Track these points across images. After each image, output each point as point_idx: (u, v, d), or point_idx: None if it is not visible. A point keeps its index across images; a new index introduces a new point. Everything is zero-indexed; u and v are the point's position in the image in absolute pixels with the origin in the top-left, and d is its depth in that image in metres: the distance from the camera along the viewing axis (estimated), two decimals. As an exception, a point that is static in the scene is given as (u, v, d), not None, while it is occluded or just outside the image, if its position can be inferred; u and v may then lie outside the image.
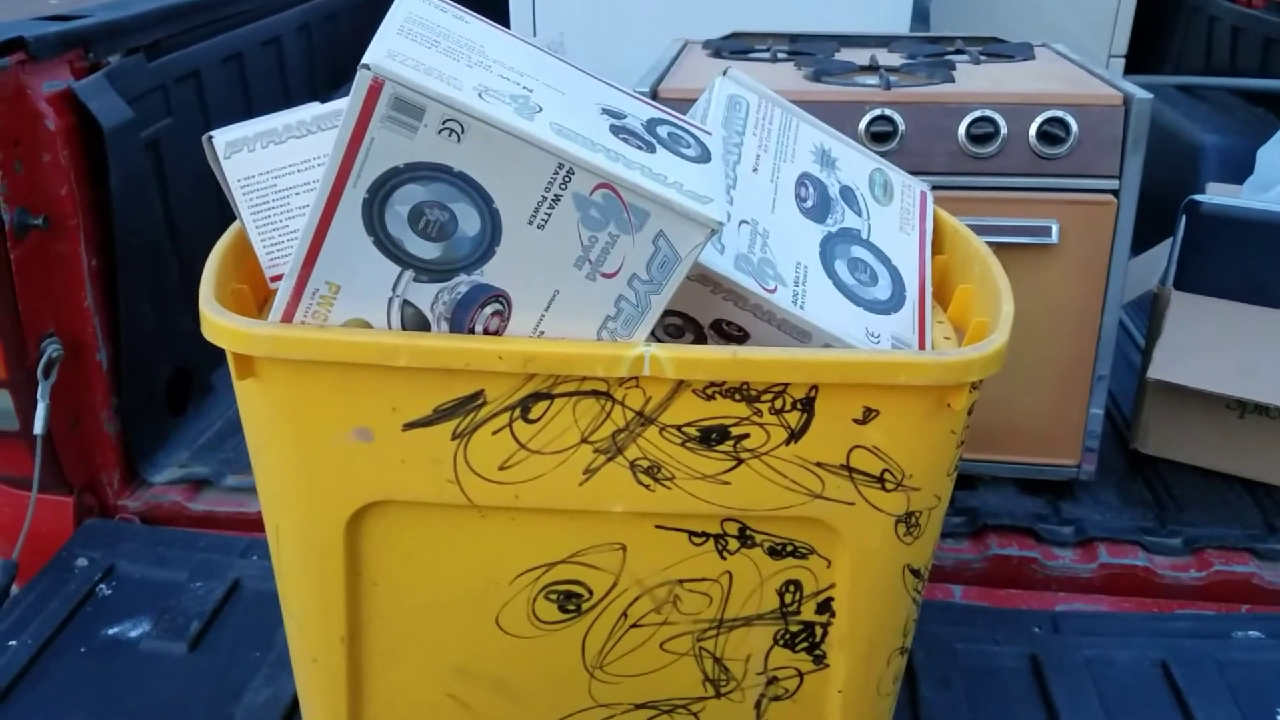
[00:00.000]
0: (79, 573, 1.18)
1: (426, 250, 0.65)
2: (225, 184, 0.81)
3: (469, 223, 0.64)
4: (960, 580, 1.24)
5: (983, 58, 1.44)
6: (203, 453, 1.39)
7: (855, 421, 0.71)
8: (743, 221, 0.80)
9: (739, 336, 0.81)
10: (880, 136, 1.21)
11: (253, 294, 0.81)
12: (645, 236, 0.65)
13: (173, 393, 1.41)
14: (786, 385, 0.70)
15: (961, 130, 1.20)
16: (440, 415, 0.71)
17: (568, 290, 0.67)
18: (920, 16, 2.04)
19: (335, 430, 0.72)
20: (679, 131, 0.70)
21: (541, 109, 0.63)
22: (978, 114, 1.20)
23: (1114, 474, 1.41)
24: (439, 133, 0.61)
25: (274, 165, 0.79)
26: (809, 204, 0.87)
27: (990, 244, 1.17)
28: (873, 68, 1.37)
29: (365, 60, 0.59)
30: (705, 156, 0.69)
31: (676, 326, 0.81)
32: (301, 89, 1.88)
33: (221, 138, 0.80)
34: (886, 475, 0.73)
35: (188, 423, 1.44)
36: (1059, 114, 1.19)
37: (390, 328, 0.69)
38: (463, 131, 0.61)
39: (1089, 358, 1.29)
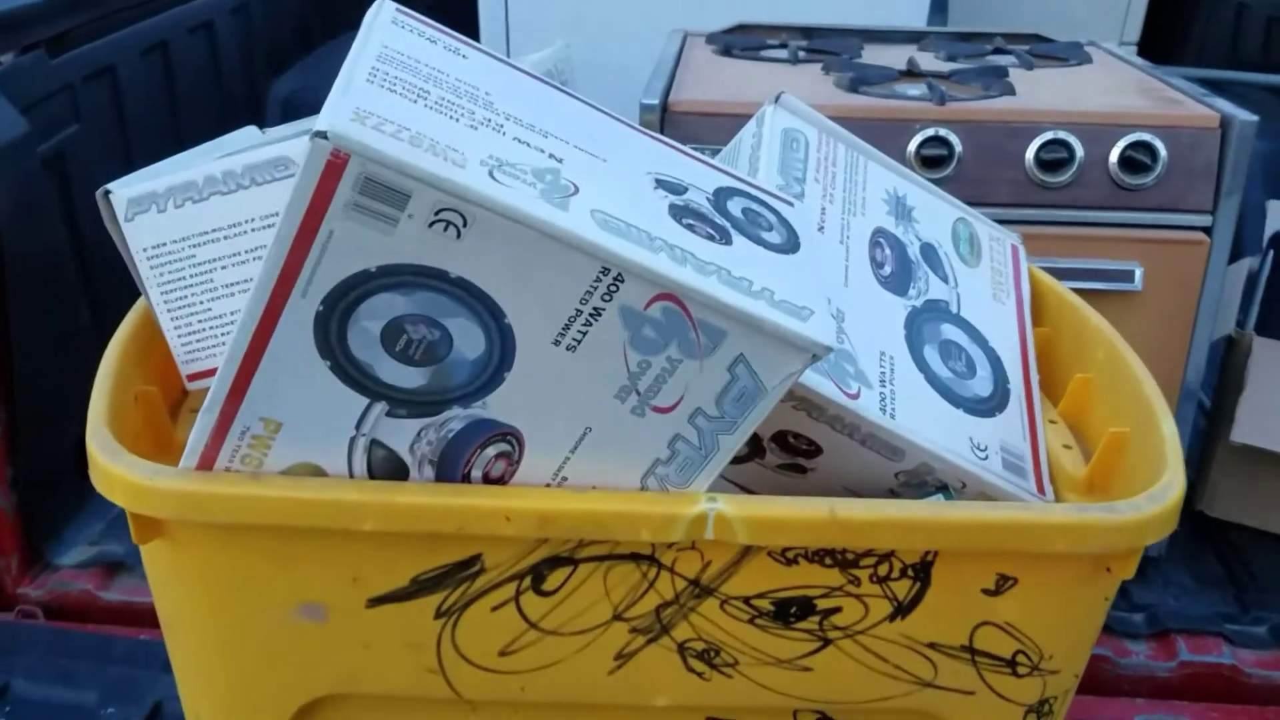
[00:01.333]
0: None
1: (407, 377, 0.47)
2: (127, 254, 0.62)
3: (469, 343, 0.46)
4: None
5: (1035, 61, 1.27)
6: (119, 526, 1.19)
7: (985, 593, 0.54)
8: (813, 302, 0.63)
9: (808, 451, 0.63)
10: (933, 161, 1.04)
11: (164, 397, 0.62)
12: (719, 363, 0.47)
13: (83, 455, 1.21)
14: (895, 549, 0.52)
15: (1030, 155, 1.03)
16: (420, 588, 0.53)
17: (604, 427, 0.49)
18: (938, 5, 1.86)
19: (274, 608, 0.53)
20: (756, 207, 0.52)
21: (577, 189, 0.45)
22: (1049, 135, 1.03)
23: (1181, 545, 1.25)
24: (429, 226, 0.42)
25: (191, 230, 0.60)
26: (887, 271, 0.69)
27: (1061, 289, 1.00)
28: (916, 74, 1.20)
29: (321, 124, 0.40)
30: (793, 242, 0.51)
31: (726, 438, 0.63)
32: (238, 79, 1.67)
33: (122, 193, 0.61)
34: (1020, 658, 0.56)
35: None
36: (1145, 137, 1.03)
37: (352, 475, 0.50)
38: (464, 225, 0.42)
39: (1164, 416, 1.13)
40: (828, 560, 0.53)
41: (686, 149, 0.53)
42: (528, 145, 0.45)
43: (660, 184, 0.49)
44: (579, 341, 0.46)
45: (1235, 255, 1.24)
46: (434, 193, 0.41)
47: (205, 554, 0.53)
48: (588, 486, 0.51)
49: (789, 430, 0.62)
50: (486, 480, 0.51)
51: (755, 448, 0.64)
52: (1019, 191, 1.05)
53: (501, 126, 0.45)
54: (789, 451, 0.63)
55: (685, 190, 0.49)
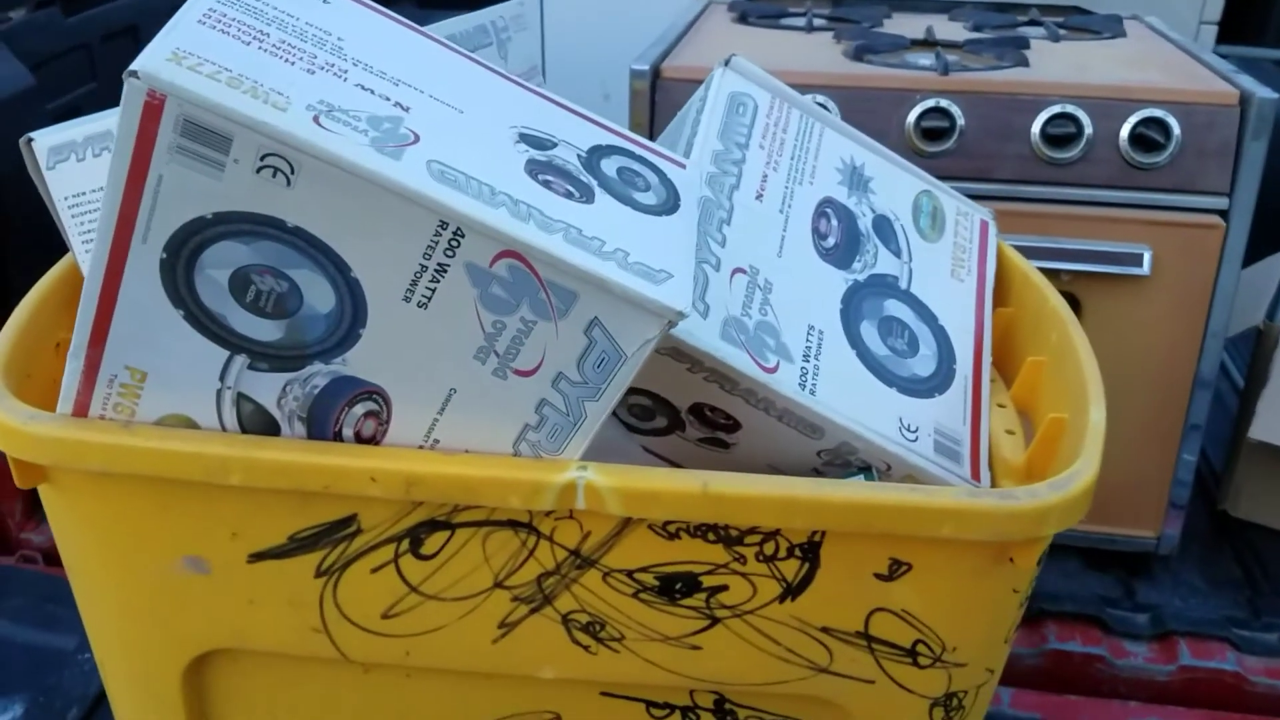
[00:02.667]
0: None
1: (261, 329, 0.46)
2: (50, 203, 0.62)
3: (318, 296, 0.45)
4: (1010, 681, 1.04)
5: (1062, 33, 1.22)
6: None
7: (878, 577, 0.52)
8: (737, 270, 0.61)
9: (727, 425, 0.61)
10: (933, 134, 1.00)
11: (86, 347, 0.62)
12: (574, 325, 0.45)
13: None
14: (778, 527, 0.50)
15: (1035, 129, 0.99)
16: (298, 545, 0.52)
17: (468, 389, 0.48)
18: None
19: (157, 558, 0.54)
20: (635, 166, 0.50)
21: (418, 137, 0.43)
22: (1056, 109, 0.99)
23: (1198, 544, 1.20)
24: (257, 172, 0.41)
25: (108, 180, 0.60)
26: (831, 242, 0.66)
27: (1067, 272, 0.97)
28: (928, 43, 1.15)
29: (136, 64, 0.39)
30: (669, 204, 0.49)
31: (644, 408, 0.61)
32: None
33: (44, 141, 0.61)
34: (921, 647, 0.54)
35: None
36: (1157, 113, 0.97)
37: (223, 428, 0.50)
38: (292, 172, 0.41)
39: (1179, 408, 1.08)
40: (710, 536, 0.51)
41: (576, 107, 0.52)
42: (370, 92, 0.44)
43: (524, 138, 0.47)
44: (429, 298, 0.45)
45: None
46: (254, 136, 0.40)
47: (86, 501, 0.53)
48: (460, 449, 0.50)
49: (705, 403, 0.60)
50: (359, 439, 0.50)
51: (673, 420, 0.62)
52: (1023, 168, 1.00)
53: (345, 72, 0.44)
54: (707, 425, 0.61)
55: (553, 146, 0.48)
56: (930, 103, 1.00)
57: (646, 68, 1.03)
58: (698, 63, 1.06)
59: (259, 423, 0.50)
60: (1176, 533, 1.13)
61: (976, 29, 1.25)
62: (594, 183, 0.47)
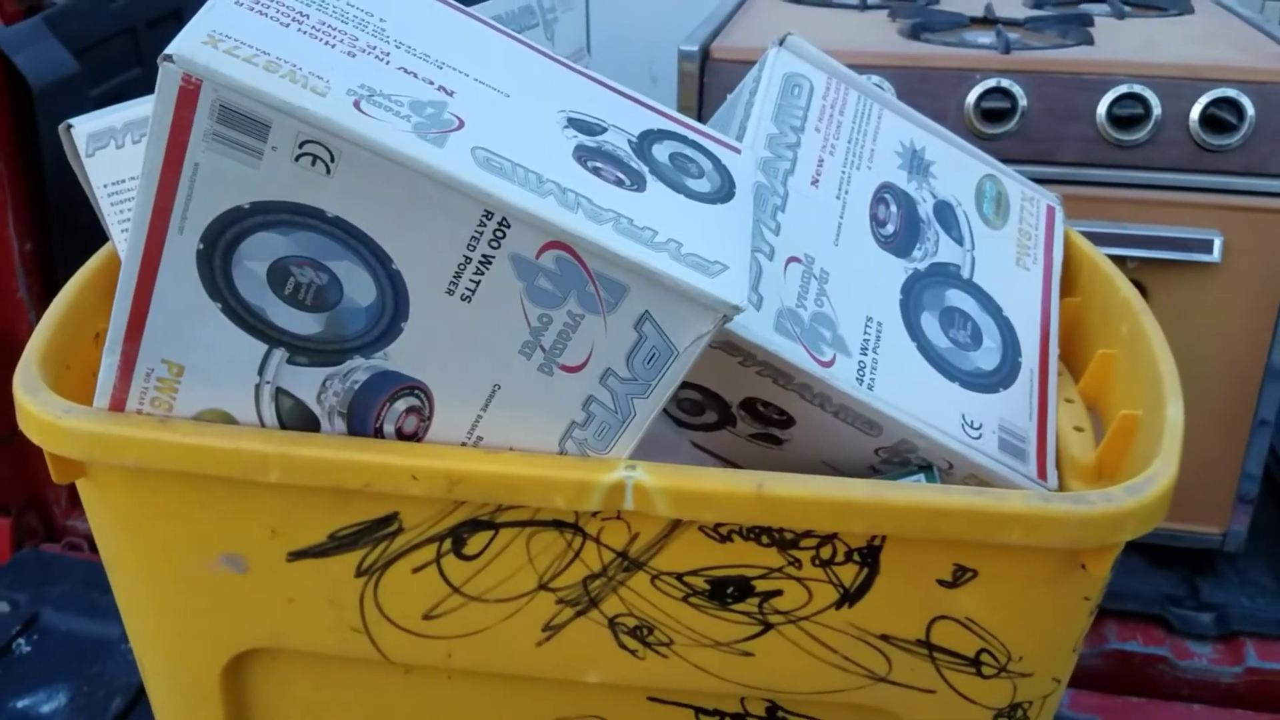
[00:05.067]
0: (-2, 620, 1.02)
1: (301, 323, 0.45)
2: (90, 191, 0.61)
3: (358, 288, 0.43)
4: (1068, 682, 1.01)
5: (1128, 10, 1.17)
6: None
7: (941, 583, 0.49)
8: (792, 259, 0.58)
9: (780, 420, 0.59)
10: (994, 115, 0.97)
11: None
12: (624, 320, 0.43)
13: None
14: (835, 531, 0.48)
15: (1101, 110, 0.95)
16: (339, 544, 0.51)
17: (513, 385, 0.46)
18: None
19: (195, 555, 0.52)
20: (689, 151, 0.48)
21: (462, 123, 0.41)
22: (1123, 89, 0.95)
23: (1266, 540, 1.16)
24: (296, 160, 0.40)
25: (147, 167, 0.59)
26: (890, 230, 0.64)
27: (1133, 259, 0.93)
28: (988, 20, 1.12)
29: (171, 48, 0.38)
30: (724, 191, 0.47)
31: (694, 403, 0.59)
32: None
33: (83, 128, 0.60)
34: (985, 657, 0.51)
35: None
36: (1230, 93, 0.93)
37: (262, 423, 0.49)
38: (332, 160, 0.40)
39: (1249, 400, 1.04)
40: (764, 539, 0.49)
41: (627, 90, 0.49)
42: (414, 76, 0.42)
43: (573, 123, 0.45)
44: (473, 291, 0.43)
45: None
46: (293, 122, 0.39)
47: (123, 497, 0.52)
48: (504, 447, 0.48)
49: (757, 398, 0.57)
50: (400, 436, 0.49)
51: (724, 415, 0.60)
52: (1088, 150, 0.97)
53: (387, 55, 0.42)
54: (760, 420, 0.59)
55: (602, 131, 0.46)
56: (991, 83, 0.96)
57: (695, 48, 1.00)
58: (749, 43, 1.03)
59: (298, 418, 0.48)
60: (1244, 529, 1.09)
61: (1038, 6, 1.21)
62: (645, 169, 0.45)
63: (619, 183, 0.43)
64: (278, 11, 0.41)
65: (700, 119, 1.06)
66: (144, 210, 0.42)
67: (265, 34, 0.40)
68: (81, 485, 0.53)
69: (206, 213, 0.41)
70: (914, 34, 1.05)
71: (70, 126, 0.60)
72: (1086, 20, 1.11)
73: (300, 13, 0.42)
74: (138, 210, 0.42)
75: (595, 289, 0.42)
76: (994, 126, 0.97)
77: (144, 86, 1.25)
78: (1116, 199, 0.97)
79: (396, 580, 0.52)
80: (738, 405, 0.59)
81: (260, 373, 0.47)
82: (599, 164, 0.44)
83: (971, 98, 0.97)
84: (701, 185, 0.46)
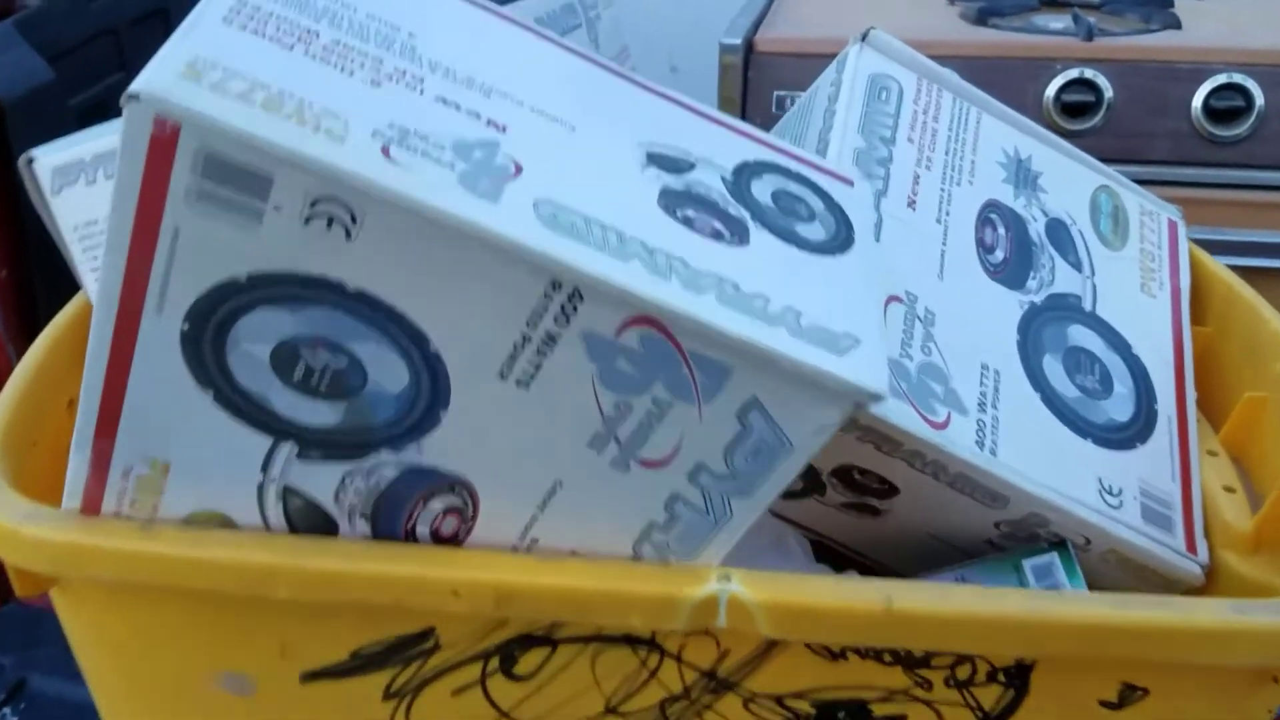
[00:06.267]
0: (-19, 689, 0.94)
1: (314, 413, 0.37)
2: (57, 233, 0.53)
3: (387, 373, 0.35)
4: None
5: (1208, -13, 1.08)
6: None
7: (1105, 705, 0.41)
8: (892, 299, 0.50)
9: (881, 490, 0.51)
10: (1076, 109, 0.88)
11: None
12: (724, 408, 0.35)
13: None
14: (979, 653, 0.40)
15: (1197, 102, 0.87)
16: (363, 663, 0.43)
17: (578, 482, 0.38)
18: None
19: (191, 677, 0.44)
20: (795, 188, 0.39)
21: (519, 168, 0.33)
22: (1221, 79, 0.86)
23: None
24: (306, 223, 0.31)
25: (123, 204, 0.51)
26: (999, 256, 0.55)
27: (1232, 267, 0.84)
28: (1060, 2, 1.03)
29: (137, 84, 0.30)
30: (841, 237, 0.38)
31: (776, 469, 0.51)
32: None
33: (46, 160, 0.52)
34: (1151, 789, 0.43)
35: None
36: (1348, 78, 0.85)
37: (267, 527, 0.40)
38: (354, 221, 0.31)
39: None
40: (887, 657, 0.41)
41: (703, 107, 0.41)
42: (456, 107, 0.34)
43: (654, 159, 0.37)
44: (532, 375, 0.34)
45: None
46: (303, 176, 0.30)
47: (101, 614, 0.44)
48: (564, 551, 0.40)
49: (854, 465, 0.49)
50: (435, 539, 0.40)
51: (812, 482, 0.52)
52: (1182, 147, 0.88)
53: (421, 81, 0.34)
54: (855, 490, 0.51)
55: (690, 168, 0.37)
56: (1073, 73, 0.88)
57: (738, 41, 0.92)
58: (797, 33, 0.94)
59: (311, 520, 0.40)
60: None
61: (1107, -16, 1.12)
62: (746, 215, 0.37)
63: (717, 235, 0.35)
64: (279, 28, 0.33)
65: (744, 117, 0.98)
66: (112, 285, 0.33)
67: (264, 60, 0.32)
68: (53, 592, 0.45)
69: (191, 288, 0.33)
70: (980, 19, 0.96)
71: (31, 160, 0.52)
72: (1167, 0, 1.02)
73: (308, 29, 0.33)
74: (104, 284, 0.33)
75: (690, 373, 0.34)
76: (1076, 122, 0.88)
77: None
78: (1214, 201, 0.89)
79: (433, 704, 0.44)
80: (830, 473, 0.50)
81: (264, 469, 0.39)
82: (690, 211, 0.35)
83: (1051, 90, 0.88)
84: (814, 231, 0.38)
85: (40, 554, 0.41)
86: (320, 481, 0.39)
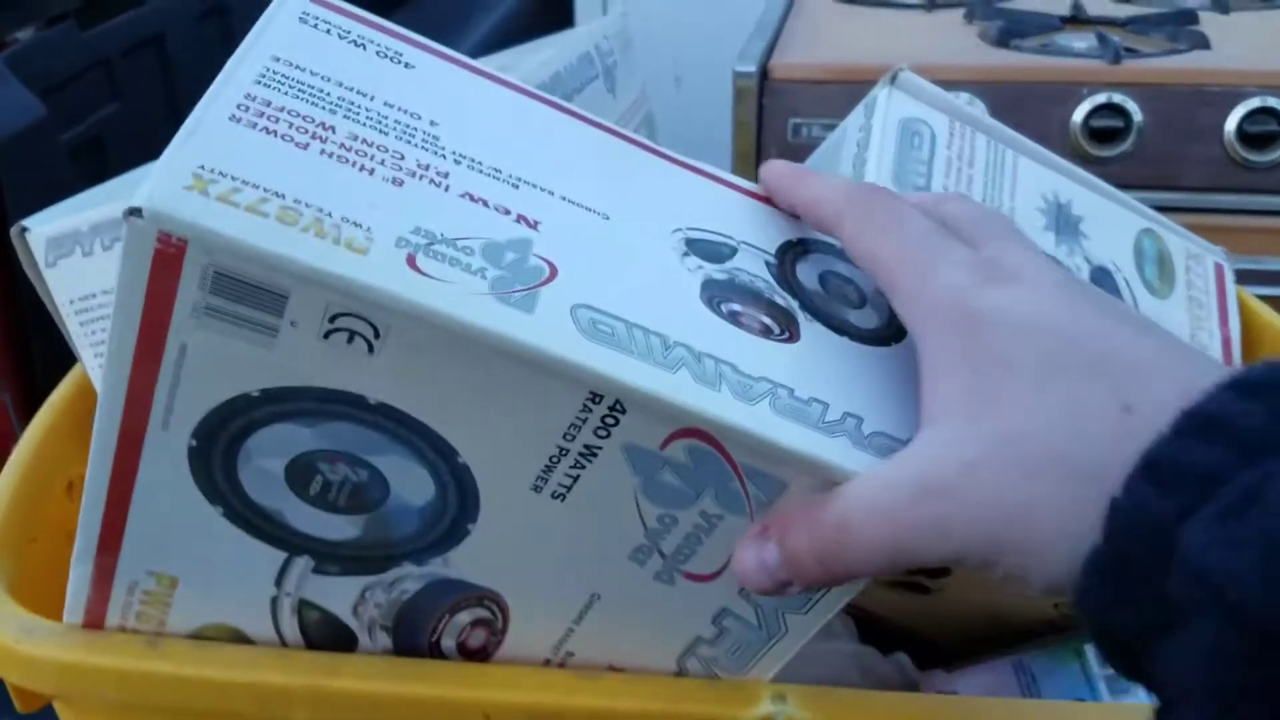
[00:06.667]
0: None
1: (331, 527, 0.34)
2: (52, 306, 0.50)
3: (410, 486, 0.33)
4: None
5: (1229, 1, 1.06)
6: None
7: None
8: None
9: (930, 570, 0.48)
10: (1104, 135, 0.86)
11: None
12: None
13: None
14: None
15: (1230, 127, 0.84)
16: (387, 779, 0.40)
17: (618, 595, 0.35)
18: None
19: (202, 794, 0.41)
20: (840, 268, 0.36)
21: (554, 271, 0.30)
22: (1255, 103, 0.83)
23: None
24: (325, 338, 0.29)
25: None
26: (1043, 312, 0.53)
27: (1266, 297, 0.81)
28: (1082, 20, 1.00)
29: (140, 198, 0.27)
30: (891, 322, 0.35)
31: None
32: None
33: (41, 231, 0.49)
34: None
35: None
36: (1386, 100, 0.82)
37: (281, 641, 0.38)
38: (377, 336, 0.29)
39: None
40: (949, 771, 0.38)
41: (740, 181, 0.38)
42: (483, 204, 0.31)
43: (693, 246, 0.34)
44: (568, 488, 0.32)
45: None
46: (322, 292, 0.28)
47: (105, 730, 0.41)
48: (602, 665, 0.37)
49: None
50: (463, 652, 0.38)
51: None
52: (1216, 173, 0.85)
53: (446, 176, 0.31)
54: (905, 584, 0.48)
55: (732, 253, 0.35)
56: (1101, 98, 0.85)
57: (753, 69, 0.89)
58: (812, 59, 0.92)
59: (328, 634, 0.38)
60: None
61: (1128, 0, 1.09)
62: (795, 304, 0.34)
63: (766, 332, 0.32)
64: (293, 125, 0.30)
65: (759, 144, 0.95)
66: (114, 400, 0.31)
67: (276, 163, 0.29)
68: (57, 704, 0.43)
69: (200, 405, 0.31)
70: (1001, 40, 0.94)
71: (25, 230, 0.49)
72: (1191, 17, 0.99)
73: (323, 124, 0.31)
74: (106, 399, 0.31)
75: (742, 486, 0.31)
76: (1105, 148, 0.86)
77: (122, 125, 1.14)
78: (1249, 229, 0.86)
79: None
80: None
81: (278, 584, 0.36)
82: (736, 305, 0.33)
83: (1078, 115, 0.86)
84: (865, 319, 0.35)
85: (41, 672, 0.38)
86: (338, 595, 0.36)
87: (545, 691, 0.37)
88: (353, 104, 0.32)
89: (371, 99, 0.32)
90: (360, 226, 0.29)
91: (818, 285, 0.35)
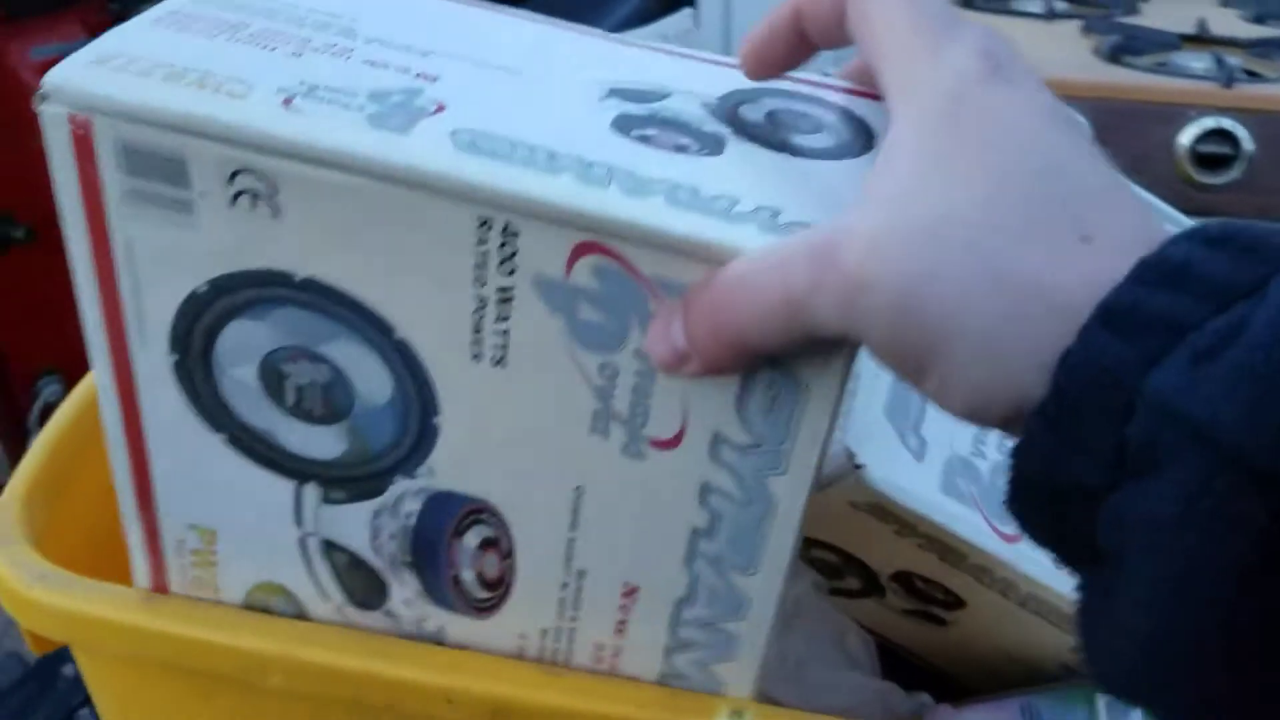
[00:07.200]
0: (62, 688, 0.96)
1: (319, 443, 0.35)
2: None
3: (368, 379, 0.34)
4: None
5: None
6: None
7: None
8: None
9: (945, 602, 0.47)
10: (1212, 161, 0.82)
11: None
12: None
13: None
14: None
15: (1350, 159, 0.79)
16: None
17: (599, 483, 0.34)
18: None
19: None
20: (802, 107, 0.34)
21: (442, 107, 0.31)
22: (1381, 133, 0.79)
23: None
24: (233, 204, 0.30)
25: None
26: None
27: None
28: (1202, 39, 0.96)
29: (45, 79, 0.30)
30: (857, 144, 0.32)
31: (830, 565, 0.48)
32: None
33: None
34: None
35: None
36: None
37: (322, 596, 0.39)
38: (276, 192, 0.30)
39: None
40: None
41: (725, 59, 0.36)
42: (384, 67, 0.32)
43: (617, 94, 0.33)
44: (503, 347, 0.32)
45: None
46: (206, 144, 0.29)
47: (116, 679, 0.43)
48: (619, 587, 0.36)
49: (914, 573, 0.46)
50: (485, 585, 0.38)
51: (870, 584, 0.48)
52: (1331, 207, 0.81)
53: (350, 51, 0.32)
54: (918, 598, 0.47)
55: (662, 96, 0.33)
56: (1210, 122, 0.81)
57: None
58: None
59: (361, 581, 0.38)
60: None
61: (1258, 20, 1.04)
62: (726, 131, 0.32)
63: (680, 149, 0.31)
64: (208, 24, 0.32)
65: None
66: (94, 323, 0.33)
67: (179, 46, 0.31)
68: (73, 649, 0.45)
69: (162, 308, 0.33)
70: (1113, 56, 0.90)
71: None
72: (1325, 39, 0.94)
73: (240, 23, 0.33)
74: (87, 325, 0.34)
75: (660, 305, 0.30)
76: (1211, 175, 0.82)
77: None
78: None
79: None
80: (889, 576, 0.47)
81: (298, 521, 0.37)
82: (651, 130, 0.32)
83: (1185, 139, 0.82)
84: (815, 140, 0.32)
85: (47, 619, 0.40)
86: (354, 528, 0.37)
87: (509, 684, 0.37)
88: (276, 11, 0.34)
89: (297, 6, 0.34)
90: (243, 82, 0.30)
91: (761, 118, 0.33)
